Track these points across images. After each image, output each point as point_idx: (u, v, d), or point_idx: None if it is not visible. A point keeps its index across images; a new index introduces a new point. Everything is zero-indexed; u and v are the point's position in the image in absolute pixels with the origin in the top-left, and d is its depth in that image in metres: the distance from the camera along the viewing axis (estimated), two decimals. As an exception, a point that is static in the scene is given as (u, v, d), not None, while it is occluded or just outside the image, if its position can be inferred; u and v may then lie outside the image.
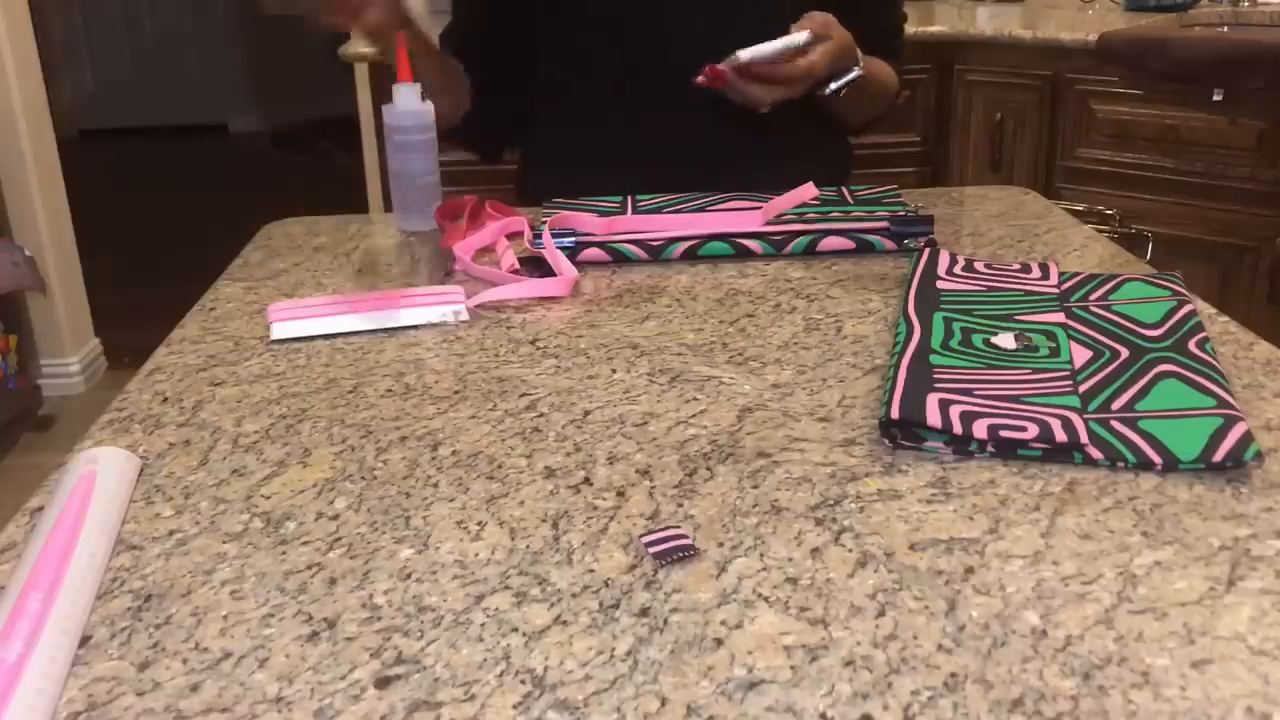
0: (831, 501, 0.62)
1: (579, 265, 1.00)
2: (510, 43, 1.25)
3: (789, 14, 1.10)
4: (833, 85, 1.13)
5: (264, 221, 1.20)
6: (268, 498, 0.65)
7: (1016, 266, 0.93)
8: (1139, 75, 2.13)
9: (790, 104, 1.15)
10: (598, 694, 0.48)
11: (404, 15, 1.07)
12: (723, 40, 1.11)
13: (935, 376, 0.72)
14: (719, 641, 0.51)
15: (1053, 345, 0.77)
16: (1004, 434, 0.65)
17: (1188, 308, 0.82)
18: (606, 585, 0.55)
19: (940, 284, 0.89)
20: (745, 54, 1.03)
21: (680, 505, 0.62)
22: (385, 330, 0.88)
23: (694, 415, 0.73)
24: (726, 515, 0.61)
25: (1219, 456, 0.63)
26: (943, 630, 0.51)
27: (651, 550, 0.58)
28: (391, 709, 0.48)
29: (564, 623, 0.53)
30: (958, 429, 0.66)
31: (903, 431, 0.68)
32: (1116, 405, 0.69)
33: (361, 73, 2.69)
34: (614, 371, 0.80)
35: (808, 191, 1.05)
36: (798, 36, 1.04)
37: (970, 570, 0.56)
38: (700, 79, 1.03)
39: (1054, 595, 0.54)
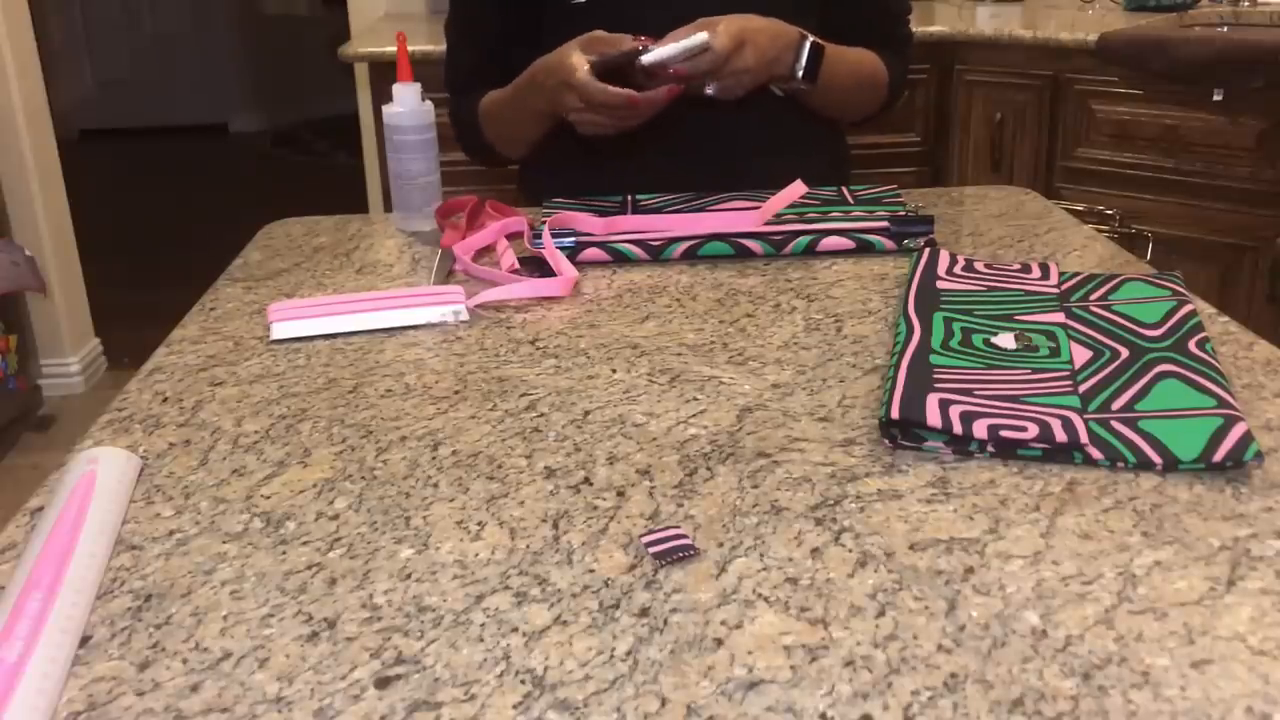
0: (831, 501, 0.62)
1: (579, 265, 1.00)
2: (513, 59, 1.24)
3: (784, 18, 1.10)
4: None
5: (264, 221, 1.20)
6: (268, 498, 0.65)
7: (1016, 266, 0.93)
8: (1139, 75, 2.13)
9: (776, 99, 1.15)
10: (598, 694, 0.48)
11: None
12: None
13: (935, 376, 0.72)
14: (719, 641, 0.51)
15: (1053, 345, 0.77)
16: (1004, 434, 0.65)
17: (1188, 308, 0.82)
18: (606, 585, 0.55)
19: (940, 284, 0.89)
20: (648, 58, 1.04)
21: (680, 505, 0.62)
22: (385, 330, 0.88)
23: (694, 415, 0.73)
24: (726, 515, 0.61)
25: (1219, 456, 0.63)
26: (943, 630, 0.51)
27: (651, 550, 0.58)
28: (391, 709, 0.48)
29: (564, 623, 0.53)
30: (958, 429, 0.66)
31: (903, 431, 0.68)
32: (1116, 405, 0.69)
33: (361, 73, 2.69)
34: (614, 371, 0.80)
35: (797, 189, 1.05)
36: (697, 38, 1.03)
37: (970, 570, 0.56)
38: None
39: (1054, 595, 0.54)
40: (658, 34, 1.05)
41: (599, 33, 1.07)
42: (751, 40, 1.05)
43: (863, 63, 1.24)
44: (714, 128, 1.20)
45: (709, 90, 1.08)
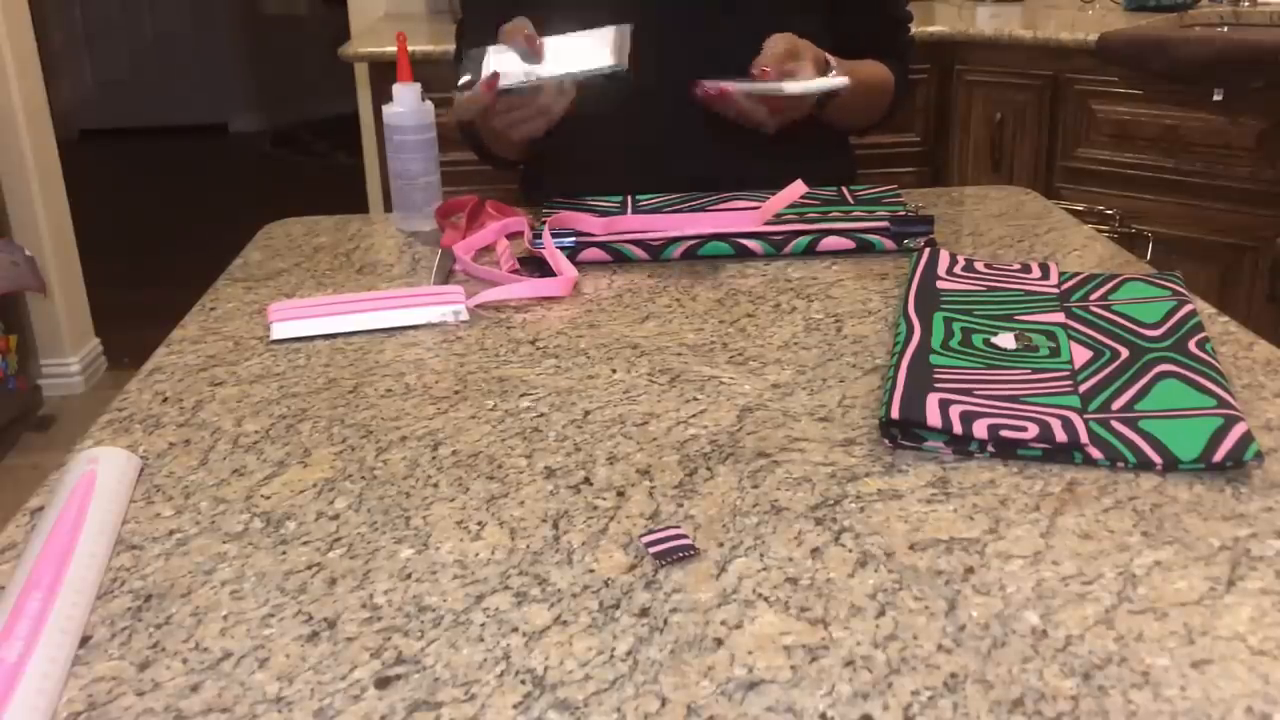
0: (831, 501, 0.62)
1: (579, 265, 1.00)
2: None
3: (778, 19, 1.11)
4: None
5: (264, 221, 1.20)
6: (268, 498, 0.65)
7: (1016, 266, 0.93)
8: (1139, 75, 2.13)
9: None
10: (598, 694, 0.48)
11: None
12: (720, 40, 1.11)
13: (935, 376, 0.72)
14: (719, 641, 0.51)
15: (1053, 345, 0.77)
16: (1004, 434, 0.65)
17: (1188, 308, 0.82)
18: (606, 585, 0.55)
19: (940, 284, 0.89)
20: (791, 89, 1.05)
21: (680, 505, 0.62)
22: (385, 330, 0.88)
23: (694, 415, 0.73)
24: (726, 515, 0.61)
25: (1219, 456, 0.63)
26: (943, 630, 0.51)
27: (651, 550, 0.58)
28: (391, 709, 0.48)
29: (564, 623, 0.53)
30: (958, 429, 0.66)
31: (903, 431, 0.68)
32: (1117, 405, 0.69)
33: (361, 73, 2.69)
34: (614, 371, 0.80)
35: (797, 189, 1.05)
36: (840, 81, 1.06)
37: (970, 570, 0.56)
38: (703, 92, 1.04)
39: (1054, 595, 0.54)
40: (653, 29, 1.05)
41: (521, 20, 1.03)
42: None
43: (872, 80, 1.24)
44: (723, 130, 1.20)
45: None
